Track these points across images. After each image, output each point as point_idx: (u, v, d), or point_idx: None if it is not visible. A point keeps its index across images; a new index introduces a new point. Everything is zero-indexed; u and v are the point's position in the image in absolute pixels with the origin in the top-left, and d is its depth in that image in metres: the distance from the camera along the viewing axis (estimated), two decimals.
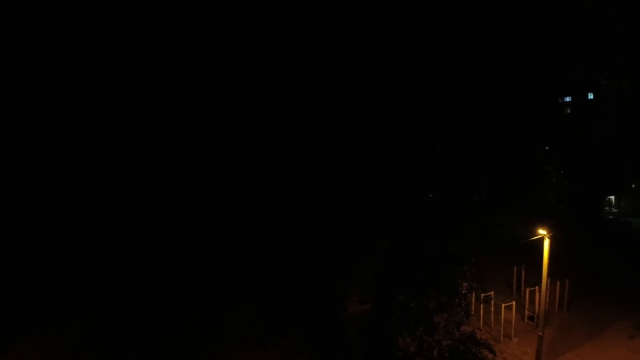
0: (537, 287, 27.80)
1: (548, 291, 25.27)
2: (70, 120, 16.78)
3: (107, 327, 25.16)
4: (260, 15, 15.40)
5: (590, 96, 56.11)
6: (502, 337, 27.57)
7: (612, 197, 61.77)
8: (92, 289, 24.38)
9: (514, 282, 33.54)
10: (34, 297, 24.92)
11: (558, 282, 30.36)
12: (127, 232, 18.37)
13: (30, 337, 25.40)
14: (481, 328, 27.94)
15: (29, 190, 17.94)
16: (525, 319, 29.84)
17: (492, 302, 28.46)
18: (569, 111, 57.34)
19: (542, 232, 24.39)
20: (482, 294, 25.87)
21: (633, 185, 58.06)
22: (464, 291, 19.55)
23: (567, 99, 56.97)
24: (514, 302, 29.02)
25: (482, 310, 28.45)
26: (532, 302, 29.62)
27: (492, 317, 28.66)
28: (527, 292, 30.16)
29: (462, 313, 19.49)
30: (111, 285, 23.48)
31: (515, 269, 33.41)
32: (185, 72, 16.05)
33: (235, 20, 15.51)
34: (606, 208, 60.47)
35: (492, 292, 28.22)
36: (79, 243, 19.54)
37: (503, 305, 28.17)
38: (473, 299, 25.11)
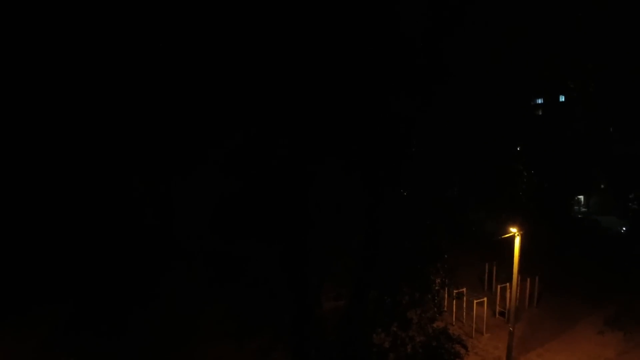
0: (507, 284, 28.24)
1: (519, 287, 25.69)
2: (45, 112, 16.54)
3: (78, 324, 24.76)
4: (241, 17, 15.42)
5: (562, 98, 57.05)
6: (474, 332, 27.93)
7: (582, 196, 62.89)
8: (61, 285, 23.96)
9: (486, 279, 33.94)
10: (0, 294, 24.40)
11: (528, 279, 30.84)
12: (99, 226, 18.15)
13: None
14: (453, 324, 28.27)
15: None
16: (497, 315, 30.28)
17: (464, 298, 28.79)
18: (540, 113, 58.26)
19: (513, 229, 24.77)
20: (454, 290, 26.20)
21: (602, 185, 59.20)
22: (436, 287, 19.81)
23: (539, 100, 57.92)
24: (485, 298, 29.43)
25: (454, 306, 28.78)
26: (503, 298, 30.08)
27: (464, 312, 29.00)
28: (498, 288, 30.59)
29: (435, 309, 19.76)
30: (82, 281, 23.13)
31: (486, 266, 33.81)
32: (166, 68, 15.98)
33: (218, 22, 15.50)
34: (575, 207, 61.53)
35: (464, 289, 28.56)
36: (48, 238, 19.23)
37: (475, 301, 28.55)
38: (446, 295, 25.40)
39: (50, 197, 17.90)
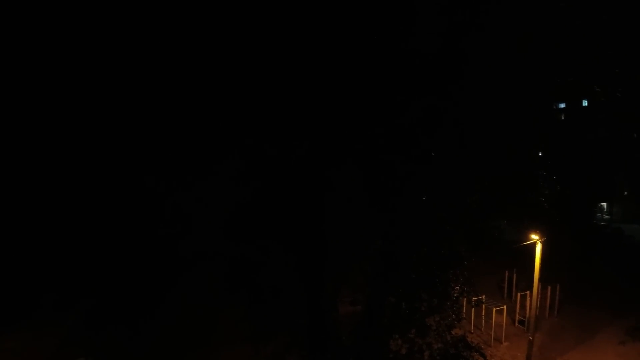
0: (528, 292, 27.89)
1: (539, 296, 25.35)
2: (59, 115, 16.66)
3: (96, 325, 24.99)
4: (258, 16, 15.40)
5: (585, 103, 56.44)
6: (492, 340, 27.63)
7: (604, 204, 62.08)
8: (81, 286, 24.17)
9: (505, 286, 33.63)
10: (22, 292, 24.70)
11: (549, 287, 30.47)
12: (117, 228, 18.24)
13: (19, 333, 25.21)
14: (472, 331, 28.00)
15: (13, 185, 17.74)
16: (516, 323, 29.94)
17: (483, 306, 28.50)
18: (563, 117, 57.65)
19: (534, 237, 24.46)
20: (473, 298, 25.90)
21: (625, 192, 58.36)
22: (455, 294, 19.57)
23: (562, 105, 57.34)
24: (504, 306, 29.07)
25: (473, 313, 28.50)
26: (522, 306, 29.74)
27: (483, 320, 28.72)
28: (518, 296, 30.26)
29: (454, 316, 19.51)
30: (101, 282, 23.28)
31: (506, 273, 33.51)
32: (181, 70, 16.00)
33: (234, 20, 15.49)
34: (598, 214, 60.75)
35: (483, 296, 28.26)
36: (68, 238, 19.38)
37: (494, 309, 28.24)
38: (464, 302, 25.14)
39: (71, 198, 18.06)
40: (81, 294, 24.98)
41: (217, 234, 17.11)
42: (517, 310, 30.18)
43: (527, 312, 27.75)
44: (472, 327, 28.50)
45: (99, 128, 16.69)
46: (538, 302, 25.57)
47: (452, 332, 19.08)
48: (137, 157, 16.81)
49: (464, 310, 25.93)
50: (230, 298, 20.45)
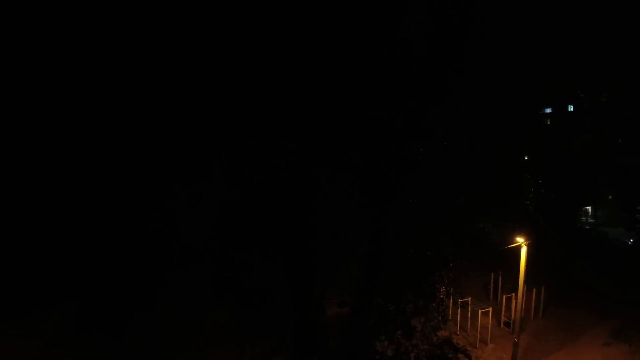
0: (513, 294, 28.11)
1: (524, 298, 25.53)
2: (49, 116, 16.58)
3: (82, 326, 24.81)
4: (246, 18, 15.43)
5: (570, 108, 57.05)
6: (478, 342, 27.76)
7: (589, 207, 62.69)
8: (67, 287, 24.00)
9: (491, 288, 33.80)
10: (6, 293, 24.48)
11: (534, 289, 30.69)
12: (104, 229, 18.17)
13: (3, 335, 24.93)
14: (458, 333, 28.13)
15: None
16: (501, 325, 30.11)
17: (469, 308, 28.65)
18: (548, 122, 58.19)
19: (519, 239, 24.66)
20: (459, 299, 26.04)
21: (610, 196, 59.00)
22: (441, 296, 19.71)
23: (548, 110, 57.89)
24: (490, 308, 29.27)
25: (459, 315, 28.60)
26: (508, 308, 29.93)
27: (469, 322, 28.83)
28: (504, 298, 30.45)
29: (440, 318, 19.65)
30: (87, 283, 23.16)
31: (492, 275, 33.68)
32: (171, 72, 15.99)
33: (222, 24, 15.52)
34: (583, 218, 61.33)
35: (469, 298, 28.41)
36: (53, 239, 19.27)
37: (480, 310, 28.38)
38: (450, 304, 25.26)
39: (56, 198, 17.97)
40: (67, 295, 24.83)
41: (205, 236, 17.10)
42: (503, 312, 30.36)
43: (513, 314, 27.97)
44: (458, 329, 28.62)
45: (84, 129, 16.64)
46: (523, 304, 25.76)
47: (437, 333, 19.22)
48: (124, 158, 16.75)
49: (450, 312, 26.08)
50: (217, 300, 20.43)
